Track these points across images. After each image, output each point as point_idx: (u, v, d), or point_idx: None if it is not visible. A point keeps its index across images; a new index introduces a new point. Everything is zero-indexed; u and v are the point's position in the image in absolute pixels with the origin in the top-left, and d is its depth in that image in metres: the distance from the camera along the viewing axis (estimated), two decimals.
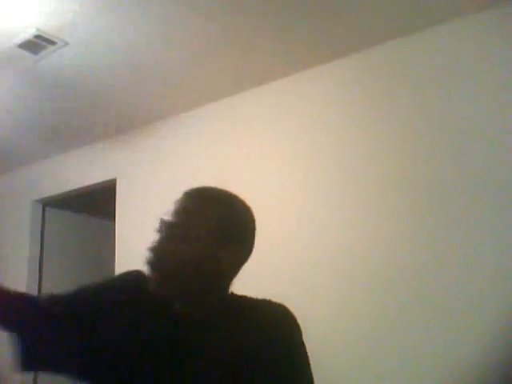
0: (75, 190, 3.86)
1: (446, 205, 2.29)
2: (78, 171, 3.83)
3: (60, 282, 4.28)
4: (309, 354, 1.03)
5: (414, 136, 2.44)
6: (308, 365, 1.01)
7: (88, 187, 3.78)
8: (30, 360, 1.00)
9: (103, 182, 3.68)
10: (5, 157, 4.01)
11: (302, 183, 2.73)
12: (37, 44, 2.48)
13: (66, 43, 2.51)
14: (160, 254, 1.01)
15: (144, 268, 1.04)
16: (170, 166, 3.31)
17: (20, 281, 4.00)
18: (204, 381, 0.97)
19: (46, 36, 2.43)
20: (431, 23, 2.41)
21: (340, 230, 2.55)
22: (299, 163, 2.77)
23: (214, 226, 1.03)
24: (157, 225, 1.05)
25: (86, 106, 3.20)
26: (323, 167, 2.68)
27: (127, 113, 3.34)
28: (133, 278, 1.10)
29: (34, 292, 3.99)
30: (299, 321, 1.05)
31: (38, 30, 2.38)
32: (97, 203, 4.26)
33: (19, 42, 2.47)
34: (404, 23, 2.43)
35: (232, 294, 1.09)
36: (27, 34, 2.41)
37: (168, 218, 1.05)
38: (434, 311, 2.22)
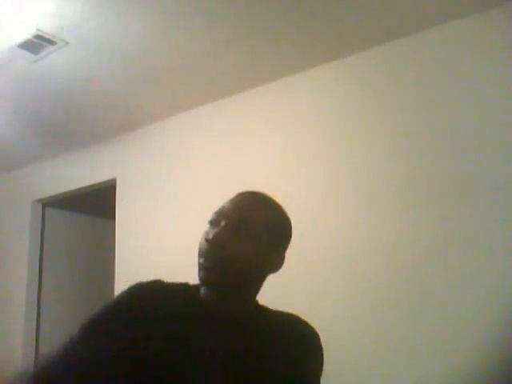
0: (75, 190, 3.86)
1: (450, 206, 2.29)
2: (78, 171, 3.83)
3: (60, 282, 4.30)
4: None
5: (414, 136, 2.44)
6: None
7: (88, 187, 3.78)
8: None
9: (103, 182, 3.68)
10: (5, 157, 4.01)
11: (302, 183, 2.73)
12: (37, 44, 2.48)
13: (66, 43, 2.51)
14: (218, 246, 0.99)
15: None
16: (169, 165, 3.31)
17: (20, 281, 4.00)
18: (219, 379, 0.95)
19: (46, 36, 2.43)
20: (431, 23, 2.41)
21: (340, 231, 2.55)
22: (299, 163, 2.77)
23: (270, 228, 1.05)
24: (211, 216, 1.05)
25: (86, 105, 3.20)
26: (323, 167, 2.68)
27: (127, 113, 3.34)
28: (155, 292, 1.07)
29: (33, 291, 4.00)
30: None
31: (38, 29, 2.38)
32: (97, 203, 4.27)
33: (19, 42, 2.47)
34: (404, 23, 2.43)
35: (257, 302, 1.10)
36: (27, 34, 2.41)
37: (222, 213, 1.04)
38: (436, 314, 2.22)
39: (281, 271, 1.07)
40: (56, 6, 2.24)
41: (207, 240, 1.01)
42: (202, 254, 1.01)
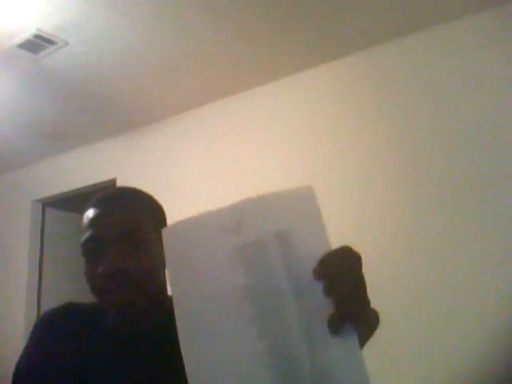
0: (75, 190, 3.86)
1: (446, 206, 2.29)
2: (78, 171, 3.83)
3: (60, 282, 4.29)
4: None
5: (414, 136, 2.44)
6: None
7: (88, 187, 3.78)
8: None
9: (103, 182, 3.68)
10: (5, 157, 4.01)
11: (301, 183, 2.73)
12: (37, 44, 2.48)
13: (66, 43, 2.51)
14: (123, 274, 0.81)
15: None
16: (169, 166, 3.31)
17: (20, 281, 4.00)
18: None
19: (46, 36, 2.43)
20: (431, 23, 2.42)
21: (340, 231, 2.54)
22: (299, 162, 2.77)
23: (151, 215, 0.94)
24: (85, 249, 0.84)
25: (86, 105, 3.20)
26: (324, 167, 2.68)
27: (127, 113, 3.34)
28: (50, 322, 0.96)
29: (33, 291, 4.00)
30: None
31: (38, 29, 2.38)
32: None
33: (19, 42, 2.47)
34: (404, 23, 2.43)
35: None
36: (27, 33, 2.41)
37: (96, 237, 0.84)
38: (434, 313, 2.22)
39: None
40: (56, 6, 2.24)
41: (103, 273, 0.80)
42: (104, 291, 0.82)
